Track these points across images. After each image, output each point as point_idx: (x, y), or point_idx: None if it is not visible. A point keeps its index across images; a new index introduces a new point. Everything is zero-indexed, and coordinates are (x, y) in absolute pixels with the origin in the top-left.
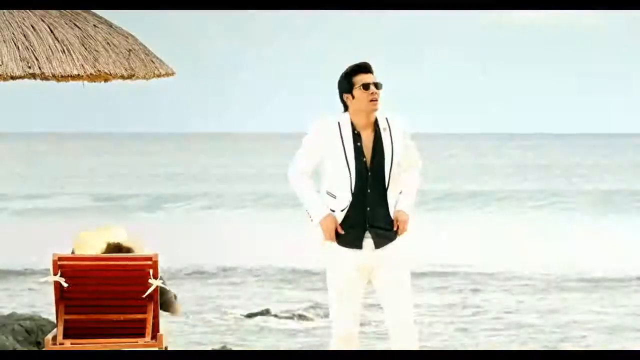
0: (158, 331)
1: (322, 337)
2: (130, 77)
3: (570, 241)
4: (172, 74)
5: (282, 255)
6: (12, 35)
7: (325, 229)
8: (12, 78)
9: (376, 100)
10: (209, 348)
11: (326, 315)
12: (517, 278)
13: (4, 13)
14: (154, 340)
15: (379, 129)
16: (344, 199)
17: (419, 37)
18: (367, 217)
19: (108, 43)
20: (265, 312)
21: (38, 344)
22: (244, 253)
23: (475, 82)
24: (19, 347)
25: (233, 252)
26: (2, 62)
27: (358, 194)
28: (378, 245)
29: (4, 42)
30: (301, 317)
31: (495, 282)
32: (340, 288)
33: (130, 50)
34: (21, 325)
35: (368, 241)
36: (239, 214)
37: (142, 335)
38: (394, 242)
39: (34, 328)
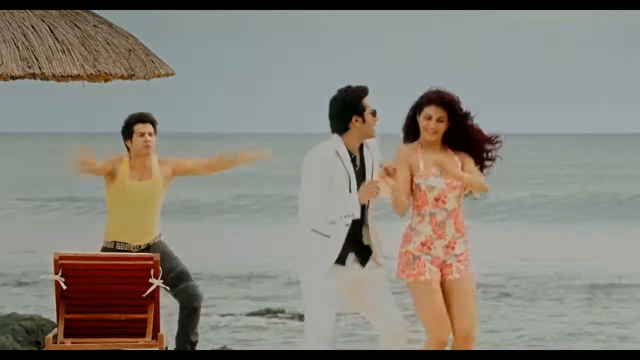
0: (159, 331)
1: None
2: (130, 77)
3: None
4: (172, 74)
5: (283, 256)
6: (12, 35)
7: None
8: (12, 78)
9: None
10: (209, 348)
11: None
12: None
13: (4, 13)
14: (154, 340)
15: (363, 150)
16: (346, 223)
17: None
18: (363, 236)
19: (108, 43)
20: (265, 313)
21: (38, 344)
22: (243, 253)
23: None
24: (19, 347)
25: (232, 253)
26: (2, 62)
27: (360, 216)
28: (364, 263)
29: (4, 42)
30: (302, 317)
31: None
32: (325, 289)
33: (130, 50)
34: (21, 325)
35: (352, 259)
36: (240, 214)
37: (143, 335)
38: (375, 260)
39: (34, 328)
